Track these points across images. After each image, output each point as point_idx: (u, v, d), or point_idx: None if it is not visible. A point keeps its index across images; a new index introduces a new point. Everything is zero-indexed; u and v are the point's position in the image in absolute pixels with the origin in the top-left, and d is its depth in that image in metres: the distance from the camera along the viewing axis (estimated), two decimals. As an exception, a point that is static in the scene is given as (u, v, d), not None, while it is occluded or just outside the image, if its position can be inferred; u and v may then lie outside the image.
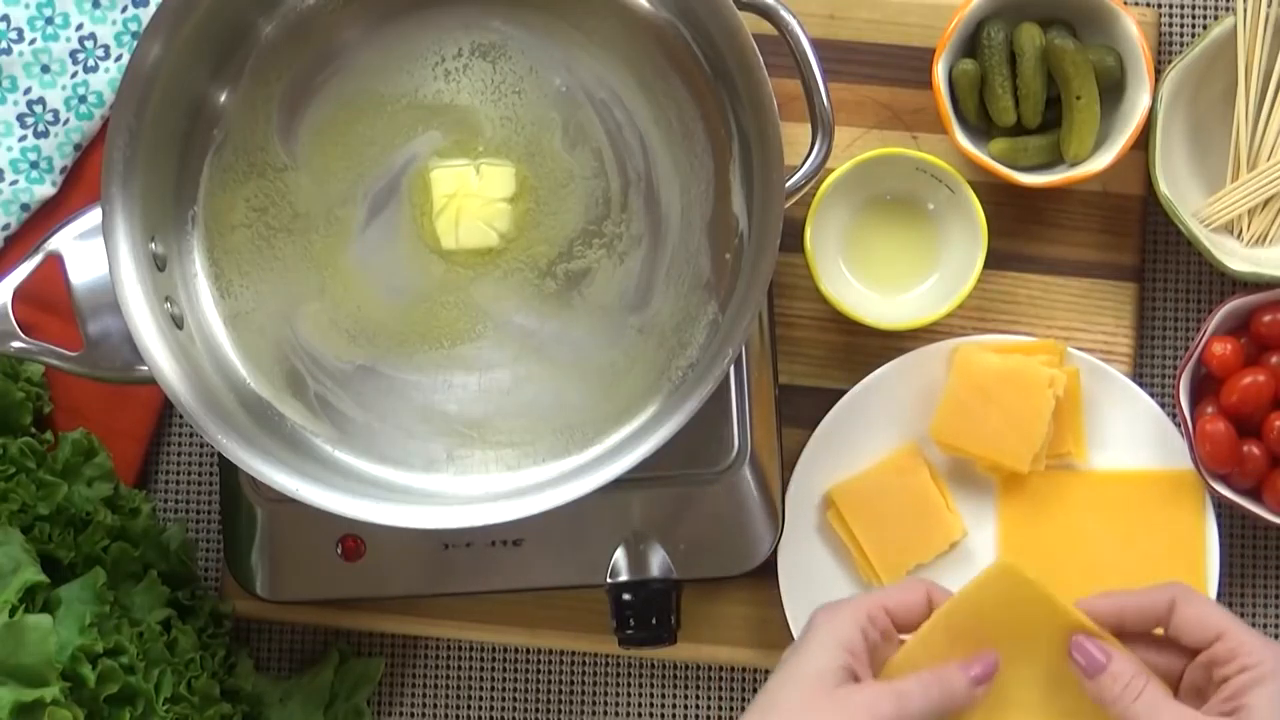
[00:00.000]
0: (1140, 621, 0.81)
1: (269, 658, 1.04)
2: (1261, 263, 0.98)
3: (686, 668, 1.03)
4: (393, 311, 0.89)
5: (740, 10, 0.84)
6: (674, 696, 1.03)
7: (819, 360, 1.01)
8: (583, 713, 1.03)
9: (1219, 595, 0.98)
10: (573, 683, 1.03)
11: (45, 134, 1.02)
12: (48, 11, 1.02)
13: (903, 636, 0.83)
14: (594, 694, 1.03)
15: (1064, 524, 0.98)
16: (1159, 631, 0.82)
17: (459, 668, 1.03)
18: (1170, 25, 1.03)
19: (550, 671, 1.03)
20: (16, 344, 0.86)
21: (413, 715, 1.03)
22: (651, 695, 1.03)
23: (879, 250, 1.00)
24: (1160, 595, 0.80)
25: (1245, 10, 0.98)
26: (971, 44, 0.99)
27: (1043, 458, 0.97)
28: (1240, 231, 1.00)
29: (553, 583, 0.94)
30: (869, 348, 1.00)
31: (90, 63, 1.03)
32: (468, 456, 0.89)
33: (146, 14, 1.03)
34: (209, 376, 0.87)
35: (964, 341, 0.98)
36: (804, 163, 0.89)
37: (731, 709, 1.02)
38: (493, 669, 1.03)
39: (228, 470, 0.95)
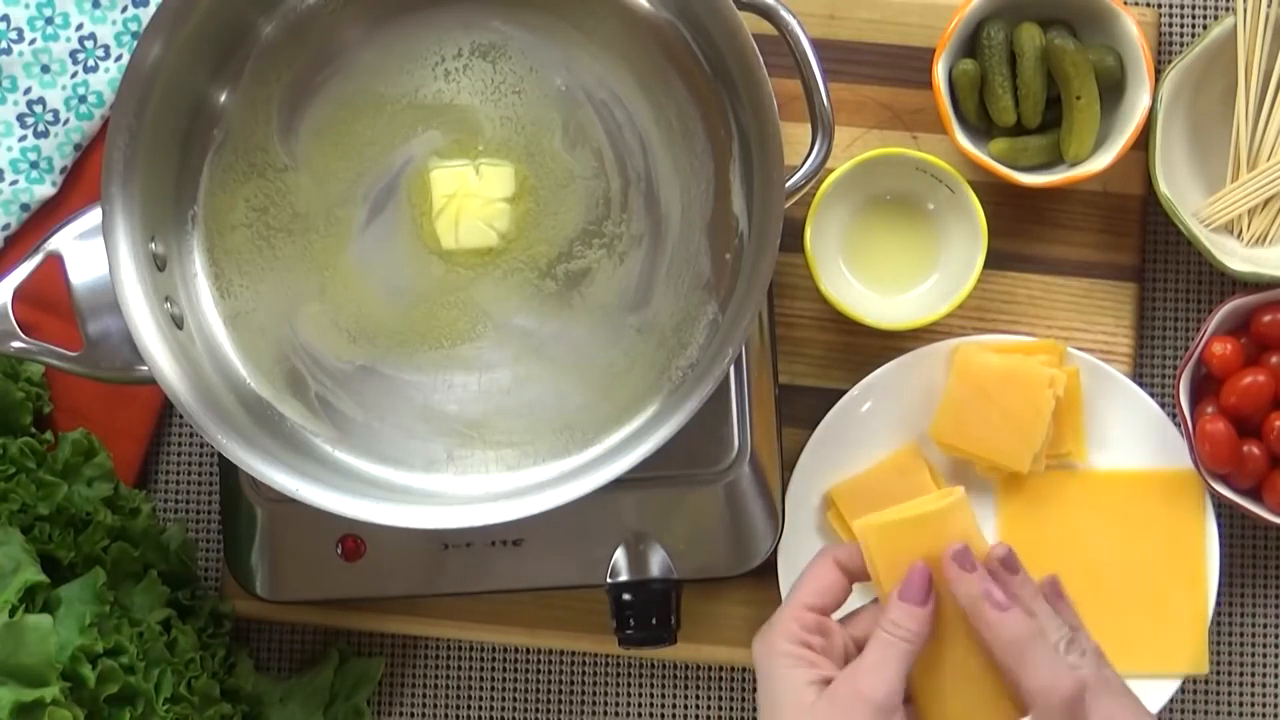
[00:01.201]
0: None
1: (269, 658, 1.04)
2: (1261, 263, 0.98)
3: (686, 668, 1.03)
4: (393, 312, 0.89)
5: (740, 10, 0.84)
6: (674, 696, 1.03)
7: (819, 360, 1.01)
8: (583, 713, 1.03)
9: (1219, 595, 0.98)
10: (573, 683, 1.03)
11: (45, 134, 1.02)
12: (48, 11, 1.02)
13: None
14: (594, 694, 1.03)
15: (1064, 524, 0.98)
16: None
17: (459, 668, 1.03)
18: (1170, 25, 1.03)
19: (550, 671, 1.03)
20: (16, 344, 0.86)
21: (413, 715, 1.03)
22: (651, 695, 1.03)
23: (879, 250, 1.00)
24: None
25: (1245, 10, 0.98)
26: (971, 44, 0.99)
27: (1042, 458, 0.97)
28: (1240, 231, 1.00)
29: (553, 583, 0.94)
30: (869, 348, 1.00)
31: (90, 63, 1.03)
32: (468, 456, 0.89)
33: (146, 14, 1.03)
34: (209, 376, 0.87)
35: (964, 341, 0.98)
36: (804, 163, 0.89)
37: (732, 709, 1.02)
38: (493, 669, 1.03)
39: (228, 470, 0.95)
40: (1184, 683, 1.00)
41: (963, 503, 0.82)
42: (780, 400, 0.98)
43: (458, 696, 1.03)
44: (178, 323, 0.87)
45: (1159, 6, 1.03)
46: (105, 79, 1.03)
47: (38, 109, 1.02)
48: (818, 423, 0.98)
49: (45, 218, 1.03)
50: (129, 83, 0.84)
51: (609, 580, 0.93)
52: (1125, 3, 0.98)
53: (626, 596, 0.93)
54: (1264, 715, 1.01)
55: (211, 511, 1.04)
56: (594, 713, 1.03)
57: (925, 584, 0.80)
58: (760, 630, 0.83)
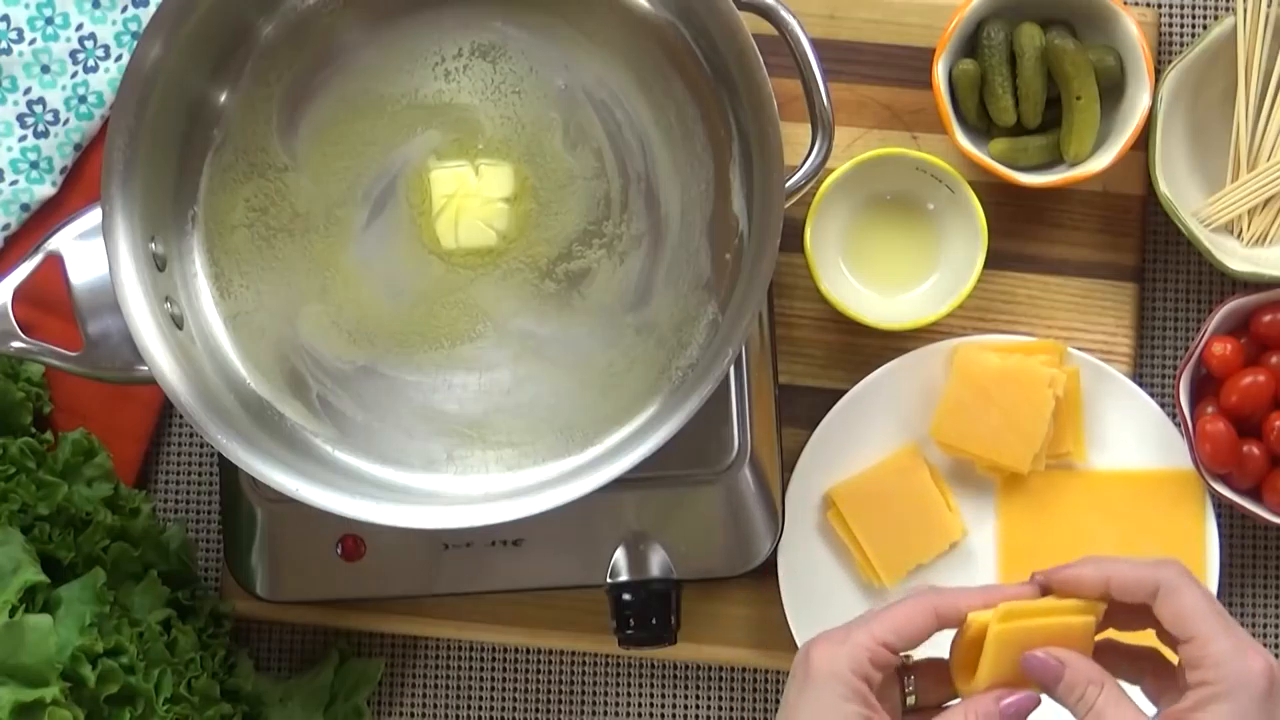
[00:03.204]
0: (1126, 596, 0.78)
1: (269, 658, 1.04)
2: (1261, 263, 0.98)
3: (686, 668, 1.03)
4: (393, 312, 0.89)
5: (740, 10, 0.84)
6: (674, 696, 1.03)
7: (819, 360, 1.01)
8: (583, 713, 1.03)
9: (1219, 595, 0.98)
10: (573, 683, 1.03)
11: (45, 134, 1.02)
12: (48, 11, 1.02)
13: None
14: (594, 694, 1.03)
15: (1064, 524, 0.98)
16: None
17: (459, 668, 1.03)
18: (1170, 25, 1.03)
19: (550, 671, 1.03)
20: (16, 344, 0.86)
21: (413, 715, 1.03)
22: (651, 695, 1.03)
23: (879, 250, 1.00)
24: (1147, 575, 0.77)
25: (1245, 10, 0.98)
26: (971, 44, 0.99)
27: (1043, 458, 0.97)
28: (1240, 231, 1.00)
29: (553, 583, 0.94)
30: (869, 348, 1.00)
31: (90, 63, 1.03)
32: (468, 456, 0.89)
33: (146, 14, 1.03)
34: (209, 376, 0.87)
35: (964, 341, 0.98)
36: (804, 163, 0.89)
37: (732, 709, 1.02)
38: (493, 669, 1.03)
39: (228, 470, 0.95)
40: (1184, 683, 1.00)
41: (1089, 626, 0.78)
42: (780, 400, 0.98)
43: (458, 696, 1.03)
44: (178, 323, 0.87)
45: (1159, 6, 1.03)
46: (105, 79, 1.03)
47: (38, 109, 1.02)
48: (818, 423, 0.98)
49: (45, 218, 1.03)
50: (129, 83, 0.84)
51: (609, 580, 0.93)
52: (1125, 3, 0.98)
53: (626, 596, 0.93)
54: (1264, 715, 1.01)
55: (211, 511, 1.04)
56: (594, 713, 1.03)
57: (1027, 710, 0.76)
58: (824, 637, 0.77)
